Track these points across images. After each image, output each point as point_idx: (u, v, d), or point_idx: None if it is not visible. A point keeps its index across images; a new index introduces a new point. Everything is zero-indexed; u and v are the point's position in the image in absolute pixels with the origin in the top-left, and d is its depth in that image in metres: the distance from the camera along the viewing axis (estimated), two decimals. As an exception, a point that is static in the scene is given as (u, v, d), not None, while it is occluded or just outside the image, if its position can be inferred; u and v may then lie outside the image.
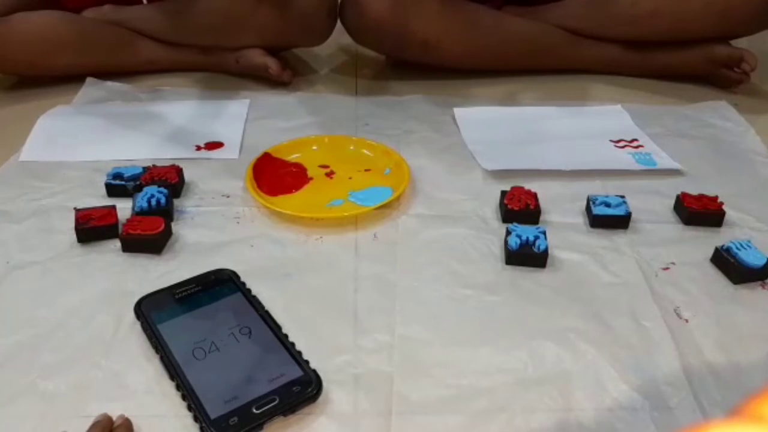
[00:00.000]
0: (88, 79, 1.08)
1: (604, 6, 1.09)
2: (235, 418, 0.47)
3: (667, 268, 0.67)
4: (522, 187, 0.76)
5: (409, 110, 1.01)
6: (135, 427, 0.49)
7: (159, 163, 0.80)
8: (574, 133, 0.95)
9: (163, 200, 0.71)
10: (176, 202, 0.75)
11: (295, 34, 1.10)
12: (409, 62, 1.13)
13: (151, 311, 0.57)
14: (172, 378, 0.52)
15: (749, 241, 0.67)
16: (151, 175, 0.77)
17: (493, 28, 1.10)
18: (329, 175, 0.83)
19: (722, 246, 0.67)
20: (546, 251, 0.66)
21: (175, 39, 1.10)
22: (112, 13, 1.09)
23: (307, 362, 0.53)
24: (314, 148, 0.88)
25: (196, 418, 0.48)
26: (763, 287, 0.65)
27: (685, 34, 1.07)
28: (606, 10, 1.09)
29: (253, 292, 0.61)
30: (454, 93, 1.08)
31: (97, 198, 0.77)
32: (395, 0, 1.04)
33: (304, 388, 0.50)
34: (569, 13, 1.12)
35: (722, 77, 1.10)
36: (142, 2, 1.12)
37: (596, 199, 0.74)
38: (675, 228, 0.74)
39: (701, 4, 1.03)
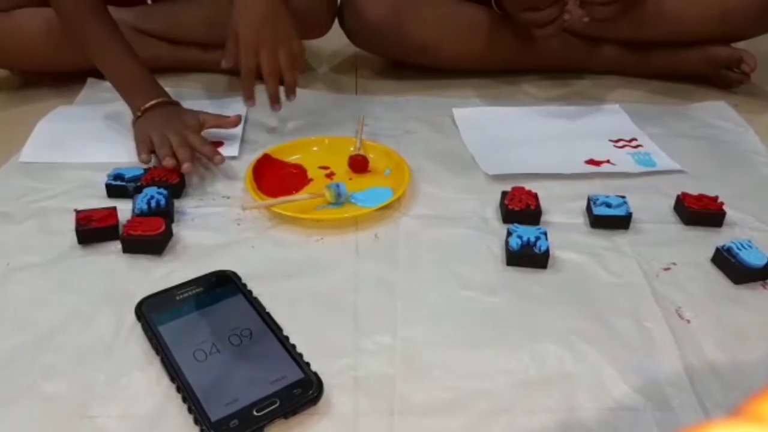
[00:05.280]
0: (89, 80, 1.07)
1: None
2: (236, 421, 0.47)
3: (668, 269, 0.67)
4: (522, 188, 0.76)
5: (409, 110, 1.01)
6: (136, 429, 0.48)
7: (159, 164, 0.80)
8: (574, 134, 0.95)
9: (162, 201, 0.71)
10: (177, 203, 0.75)
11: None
12: (409, 64, 1.13)
13: (152, 313, 0.57)
14: (172, 380, 0.51)
15: (750, 241, 0.67)
16: (152, 176, 0.77)
17: (492, 31, 1.10)
18: (329, 176, 0.83)
19: (723, 246, 0.67)
20: (547, 252, 0.66)
21: (176, 37, 1.10)
22: (113, 12, 1.09)
23: (308, 364, 0.52)
24: (314, 149, 0.88)
25: (196, 420, 0.48)
26: (764, 287, 0.64)
27: (685, 37, 1.08)
28: None
29: (254, 294, 0.60)
30: (454, 93, 1.08)
31: (97, 199, 0.76)
32: (393, 4, 1.04)
33: (305, 391, 0.50)
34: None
35: (722, 78, 1.11)
36: (142, 1, 1.12)
37: (597, 200, 0.74)
38: (675, 228, 0.74)
39: (700, 7, 1.03)
